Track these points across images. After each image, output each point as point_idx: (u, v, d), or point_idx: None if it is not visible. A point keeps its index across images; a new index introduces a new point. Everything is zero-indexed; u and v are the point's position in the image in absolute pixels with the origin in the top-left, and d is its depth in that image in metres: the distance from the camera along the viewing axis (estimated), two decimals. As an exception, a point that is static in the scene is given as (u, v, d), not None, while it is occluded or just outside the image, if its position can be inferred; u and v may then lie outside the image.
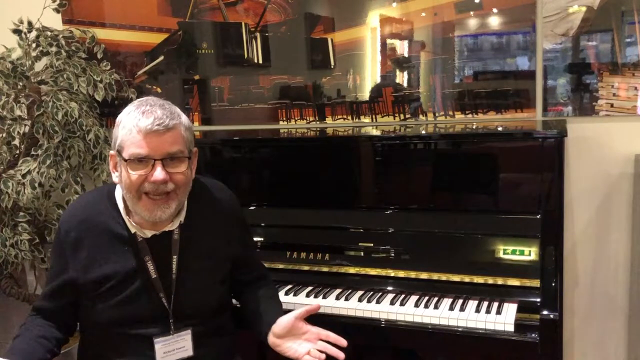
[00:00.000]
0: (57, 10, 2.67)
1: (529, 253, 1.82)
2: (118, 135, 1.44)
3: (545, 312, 1.63)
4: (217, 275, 1.62)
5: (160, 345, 1.51)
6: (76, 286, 1.52)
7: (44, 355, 1.49)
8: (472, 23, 2.26)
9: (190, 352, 1.55)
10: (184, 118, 1.48)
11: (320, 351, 1.51)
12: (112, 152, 1.49)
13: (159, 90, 2.71)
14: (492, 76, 2.28)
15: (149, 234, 1.51)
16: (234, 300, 1.75)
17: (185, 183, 1.49)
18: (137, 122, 1.40)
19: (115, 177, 1.50)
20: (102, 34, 2.73)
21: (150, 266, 1.51)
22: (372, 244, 1.98)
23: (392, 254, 1.95)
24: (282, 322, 1.53)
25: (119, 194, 1.53)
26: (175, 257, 1.53)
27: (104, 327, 1.52)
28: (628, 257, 2.21)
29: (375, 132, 2.28)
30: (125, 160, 1.41)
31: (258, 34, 2.53)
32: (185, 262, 1.55)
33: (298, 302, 1.88)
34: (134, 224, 1.51)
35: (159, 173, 1.41)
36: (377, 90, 2.41)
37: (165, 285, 1.52)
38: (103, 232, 1.51)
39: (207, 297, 1.59)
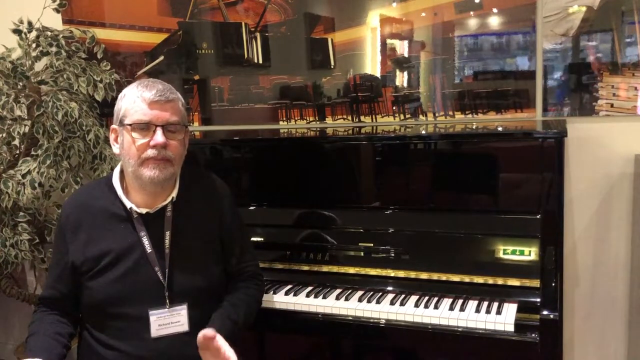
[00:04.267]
0: (57, 10, 2.67)
1: (529, 253, 1.82)
2: (121, 106, 1.57)
3: (545, 312, 1.63)
4: (209, 254, 1.68)
5: (155, 318, 1.56)
6: (77, 268, 1.59)
7: (61, 351, 1.56)
8: (472, 23, 2.26)
9: (185, 328, 1.59)
10: (180, 96, 1.63)
11: None
12: (113, 126, 1.61)
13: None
14: (492, 76, 2.28)
15: (143, 211, 1.61)
16: None
17: (180, 154, 1.61)
18: (141, 93, 1.54)
19: (116, 149, 1.61)
20: (102, 34, 2.73)
21: (146, 241, 1.59)
22: (372, 244, 1.98)
23: (392, 254, 1.95)
24: (198, 336, 1.48)
25: (116, 178, 1.63)
26: (168, 233, 1.61)
27: (102, 307, 1.56)
28: (628, 257, 2.21)
29: (375, 133, 2.28)
30: (130, 125, 1.53)
31: (258, 34, 2.53)
32: (178, 238, 1.62)
33: (298, 302, 1.88)
34: (131, 202, 1.61)
35: (159, 136, 1.52)
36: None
37: (160, 260, 1.59)
38: (101, 213, 1.61)
39: (203, 275, 1.64)
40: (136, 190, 1.61)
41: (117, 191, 1.61)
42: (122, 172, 1.64)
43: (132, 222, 1.60)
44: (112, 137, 1.62)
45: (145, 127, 1.53)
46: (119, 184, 1.62)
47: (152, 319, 1.56)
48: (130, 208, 1.59)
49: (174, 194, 1.64)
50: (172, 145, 1.56)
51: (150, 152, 1.53)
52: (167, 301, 1.58)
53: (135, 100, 1.54)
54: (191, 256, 1.64)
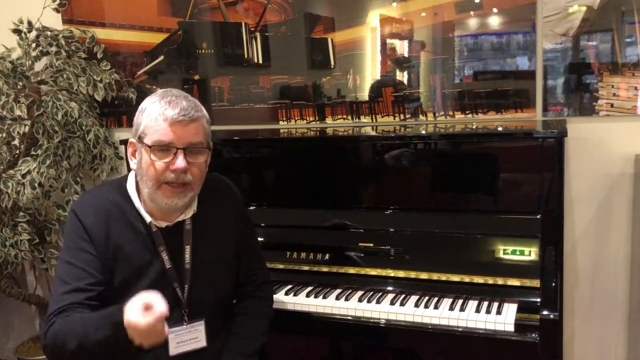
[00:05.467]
0: (57, 10, 2.67)
1: (529, 253, 1.82)
2: (141, 122, 1.46)
3: (545, 312, 1.63)
4: (226, 266, 1.64)
5: (174, 336, 1.52)
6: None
7: None
8: (472, 23, 2.26)
9: (203, 343, 1.56)
10: (205, 112, 1.52)
11: None
12: (131, 139, 1.51)
13: (159, 90, 2.71)
14: (492, 76, 2.27)
15: (162, 224, 1.54)
16: None
17: (201, 177, 1.52)
18: (163, 111, 1.43)
19: (133, 164, 1.52)
20: (102, 34, 2.73)
21: (165, 256, 1.53)
22: (372, 244, 1.98)
23: (392, 254, 1.95)
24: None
25: (131, 186, 1.55)
26: (188, 248, 1.55)
27: None
28: (628, 257, 2.21)
29: (375, 132, 2.28)
30: (149, 147, 1.43)
31: (258, 34, 2.53)
32: (198, 252, 1.57)
33: (298, 302, 1.89)
34: (147, 213, 1.53)
35: (180, 161, 1.44)
36: (376, 90, 2.41)
37: (179, 276, 1.54)
38: (118, 221, 1.51)
39: (220, 288, 1.62)
40: (151, 207, 1.52)
41: (135, 203, 1.53)
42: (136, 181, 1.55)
43: (151, 236, 1.52)
44: (129, 150, 1.52)
45: (165, 149, 1.44)
46: (136, 194, 1.54)
47: (170, 337, 1.50)
48: (150, 222, 1.51)
49: (194, 207, 1.57)
50: (192, 170, 1.47)
51: (169, 176, 1.44)
52: (186, 318, 1.54)
53: (157, 118, 1.43)
54: (210, 271, 1.59)
